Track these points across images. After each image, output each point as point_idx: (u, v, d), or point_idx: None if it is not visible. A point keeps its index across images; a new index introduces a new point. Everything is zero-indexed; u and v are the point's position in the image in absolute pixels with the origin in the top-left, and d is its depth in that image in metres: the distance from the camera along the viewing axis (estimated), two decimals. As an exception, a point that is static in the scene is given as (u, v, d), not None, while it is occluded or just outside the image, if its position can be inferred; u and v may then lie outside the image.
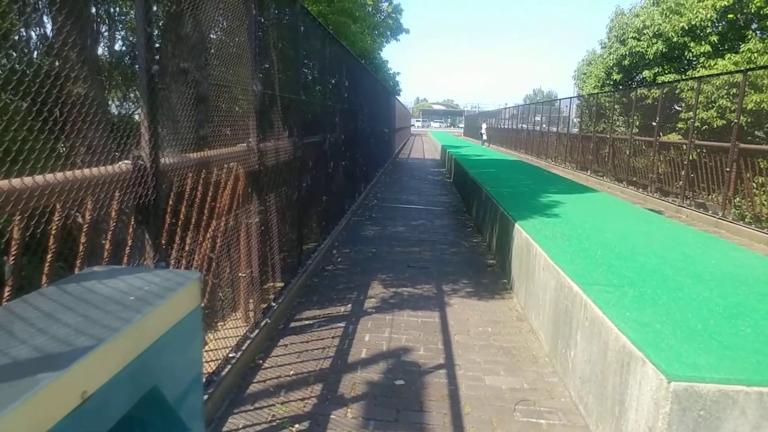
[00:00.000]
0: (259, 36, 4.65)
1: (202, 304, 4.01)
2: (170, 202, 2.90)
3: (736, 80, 11.64)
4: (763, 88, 11.81)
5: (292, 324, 4.79)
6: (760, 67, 11.07)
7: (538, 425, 3.31)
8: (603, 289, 3.54)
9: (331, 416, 3.35)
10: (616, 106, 16.98)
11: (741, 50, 14.40)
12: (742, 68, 12.11)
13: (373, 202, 11.85)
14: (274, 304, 4.67)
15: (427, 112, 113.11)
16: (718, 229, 9.75)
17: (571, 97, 23.06)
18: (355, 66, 10.51)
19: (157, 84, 2.29)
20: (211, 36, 3.92)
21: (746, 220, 9.80)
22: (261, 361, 4.01)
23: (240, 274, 4.23)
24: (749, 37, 14.70)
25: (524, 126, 29.96)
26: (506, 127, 35.53)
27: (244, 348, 3.84)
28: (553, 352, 4.09)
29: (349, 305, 5.29)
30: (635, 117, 15.12)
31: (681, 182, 11.91)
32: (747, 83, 10.38)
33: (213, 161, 3.45)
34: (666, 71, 16.48)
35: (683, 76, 15.31)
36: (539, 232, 5.38)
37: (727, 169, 10.03)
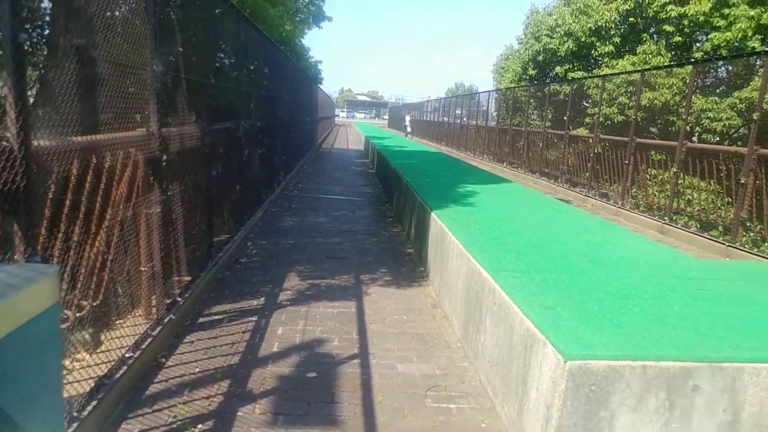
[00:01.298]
0: (161, 14, 4.35)
1: (95, 303, 3.71)
2: (50, 190, 2.63)
3: (633, 79, 12.46)
4: (656, 87, 12.75)
5: (201, 319, 4.56)
6: (654, 68, 11.93)
7: (448, 410, 3.35)
8: (511, 275, 3.63)
9: (238, 413, 3.22)
10: (531, 100, 17.69)
11: (638, 52, 15.43)
12: (639, 68, 12.97)
13: (294, 192, 11.62)
14: (180, 299, 4.42)
15: (351, 103, 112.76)
16: (618, 217, 10.42)
17: (490, 91, 23.80)
18: (274, 51, 10.21)
19: (28, 56, 2.04)
20: (107, 12, 3.61)
21: (641, 208, 10.54)
22: (164, 360, 3.78)
23: (141, 269, 3.95)
24: (644, 39, 15.78)
25: (446, 119, 30.61)
26: (429, 119, 36.17)
27: (144, 347, 3.60)
28: (465, 337, 4.17)
29: (263, 298, 5.12)
30: (548, 111, 15.83)
31: (587, 174, 12.61)
32: (642, 82, 11.14)
33: (104, 146, 3.18)
34: (576, 68, 17.38)
35: (590, 74, 16.20)
36: (454, 221, 5.47)
37: (626, 162, 10.72)
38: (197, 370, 3.68)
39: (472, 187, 8.46)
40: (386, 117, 71.02)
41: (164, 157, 4.03)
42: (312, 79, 20.51)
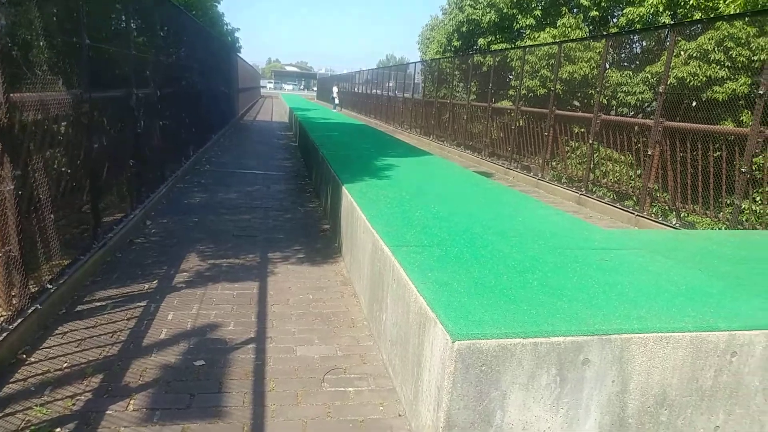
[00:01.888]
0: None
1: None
2: None
3: (553, 51, 12.65)
4: (575, 60, 13.02)
5: (79, 307, 4.09)
6: (571, 40, 12.12)
7: (345, 393, 3.15)
8: (412, 250, 3.44)
9: (108, 411, 2.86)
10: (456, 72, 17.66)
11: (557, 25, 15.68)
12: (558, 40, 13.16)
13: (206, 167, 10.98)
14: (50, 285, 3.92)
15: (279, 74, 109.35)
16: (538, 189, 10.62)
17: (416, 62, 23.60)
18: (177, 15, 9.43)
19: None
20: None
21: (561, 180, 10.79)
22: (25, 356, 3.33)
23: (-4, 253, 3.44)
24: (564, 13, 16.05)
25: (375, 91, 30.20)
26: (358, 92, 35.58)
27: (-3, 342, 3.13)
28: (371, 315, 3.98)
29: (155, 282, 4.69)
30: (473, 83, 15.85)
31: (510, 146, 12.76)
32: (562, 55, 11.29)
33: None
34: (498, 40, 17.46)
35: (512, 46, 16.33)
36: (364, 195, 5.23)
37: (546, 134, 10.90)
38: (65, 365, 3.27)
39: (390, 161, 8.26)
40: (315, 89, 69.43)
41: (16, 127, 3.49)
42: (229, 47, 19.45)
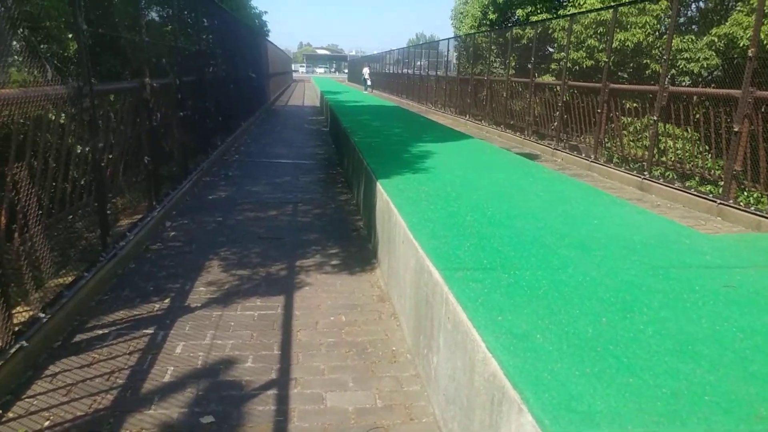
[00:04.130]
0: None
1: None
2: None
3: (604, 18, 11.46)
4: (628, 26, 11.78)
5: (78, 336, 3.52)
6: (628, 3, 10.88)
7: (390, 466, 2.46)
8: (469, 275, 2.69)
9: (90, 497, 2.25)
10: (492, 47, 16.54)
11: (607, -13, 14.32)
12: (612, 4, 11.94)
13: (234, 157, 10.40)
14: (43, 314, 3.35)
15: (311, 58, 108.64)
16: (591, 172, 9.63)
17: (449, 39, 22.45)
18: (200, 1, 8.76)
19: None
20: None
21: (614, 161, 9.77)
22: (1, 411, 2.75)
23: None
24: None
25: (406, 71, 29.13)
26: (389, 72, 34.54)
27: (-38, 400, 2.56)
28: (416, 348, 3.26)
29: (168, 300, 4.09)
30: (512, 58, 14.75)
31: (555, 124, 11.72)
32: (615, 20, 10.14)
33: None
34: (539, 10, 16.21)
35: (554, 15, 15.09)
36: (402, 193, 4.49)
37: (599, 110, 9.85)
38: (46, 424, 2.67)
39: (428, 147, 7.46)
40: (347, 71, 68.39)
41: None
42: (256, 31, 18.79)
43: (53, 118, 3.97)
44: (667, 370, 1.84)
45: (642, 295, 2.48)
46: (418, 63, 27.47)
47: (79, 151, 4.20)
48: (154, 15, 7.22)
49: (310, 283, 4.49)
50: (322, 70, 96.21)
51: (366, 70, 33.04)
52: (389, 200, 4.30)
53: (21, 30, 3.67)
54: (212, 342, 3.50)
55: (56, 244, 4.14)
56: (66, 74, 3.96)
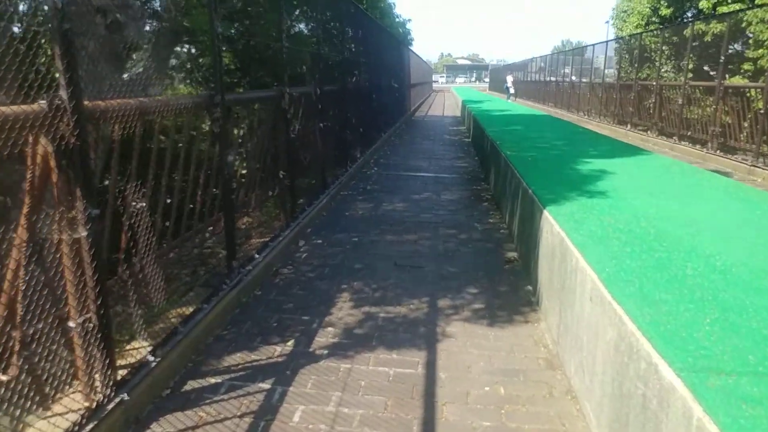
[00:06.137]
0: None
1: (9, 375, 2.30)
2: None
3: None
4: None
5: (189, 384, 3.04)
6: None
7: None
8: (734, 387, 1.65)
9: None
10: (664, 47, 14.42)
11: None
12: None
13: (373, 169, 9.95)
14: (152, 357, 2.91)
15: (451, 68, 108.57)
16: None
17: (606, 41, 20.31)
18: (341, 3, 8.43)
19: None
20: None
21: None
22: (87, 487, 2.29)
23: (70, 324, 2.47)
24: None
25: (552, 78, 27.18)
26: (533, 80, 32.61)
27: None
28: (614, 460, 2.25)
29: (291, 342, 3.51)
30: (690, 58, 12.63)
31: (755, 136, 9.62)
32: None
33: None
34: (728, 0, 13.75)
35: (750, 5, 12.63)
36: (580, 226, 3.46)
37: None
38: None
39: (597, 163, 6.23)
40: (487, 80, 66.72)
41: (94, 146, 2.47)
42: (400, 40, 18.52)
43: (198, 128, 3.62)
44: None
45: None
46: (566, 70, 25.45)
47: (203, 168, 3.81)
48: (297, 24, 6.95)
49: (457, 332, 3.65)
50: (462, 79, 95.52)
51: (510, 78, 31.50)
52: (564, 236, 3.31)
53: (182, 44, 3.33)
54: (337, 410, 2.80)
55: (178, 268, 3.79)
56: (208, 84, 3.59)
